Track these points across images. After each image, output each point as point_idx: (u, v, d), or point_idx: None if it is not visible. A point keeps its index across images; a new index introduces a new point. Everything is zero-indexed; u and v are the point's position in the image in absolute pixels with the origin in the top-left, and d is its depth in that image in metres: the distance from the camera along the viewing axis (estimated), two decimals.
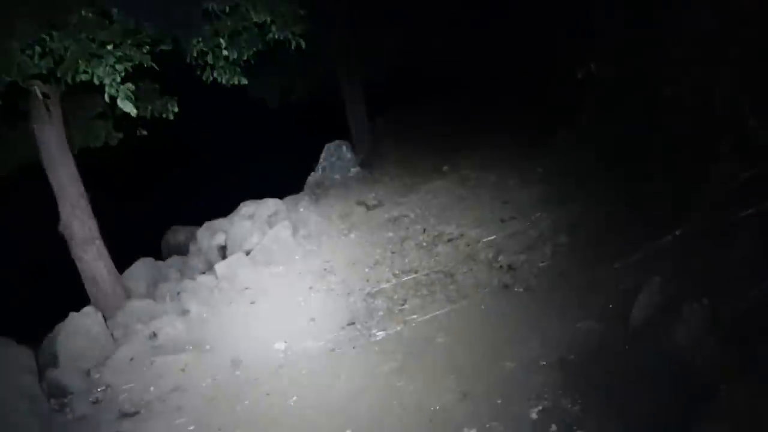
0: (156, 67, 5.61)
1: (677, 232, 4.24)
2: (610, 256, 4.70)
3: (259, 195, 8.95)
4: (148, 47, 5.42)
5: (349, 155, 9.73)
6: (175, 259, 7.93)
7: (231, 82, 6.28)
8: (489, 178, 7.61)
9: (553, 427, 3.33)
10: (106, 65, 4.96)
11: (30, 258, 8.66)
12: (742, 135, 3.93)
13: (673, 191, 4.65)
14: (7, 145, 6.56)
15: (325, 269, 6.46)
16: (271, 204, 8.48)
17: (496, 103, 9.58)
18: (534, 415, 3.46)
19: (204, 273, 7.13)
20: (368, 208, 8.02)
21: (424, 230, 6.82)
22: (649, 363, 3.31)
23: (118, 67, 5.01)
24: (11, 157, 6.69)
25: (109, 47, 5.02)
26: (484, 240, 6.09)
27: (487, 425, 3.49)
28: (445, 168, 8.56)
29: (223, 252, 7.69)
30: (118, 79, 5.23)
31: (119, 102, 5.33)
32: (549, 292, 4.82)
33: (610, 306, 4.16)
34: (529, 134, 7.92)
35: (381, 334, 4.92)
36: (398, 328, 4.92)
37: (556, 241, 5.56)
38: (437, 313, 4.99)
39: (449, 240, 6.38)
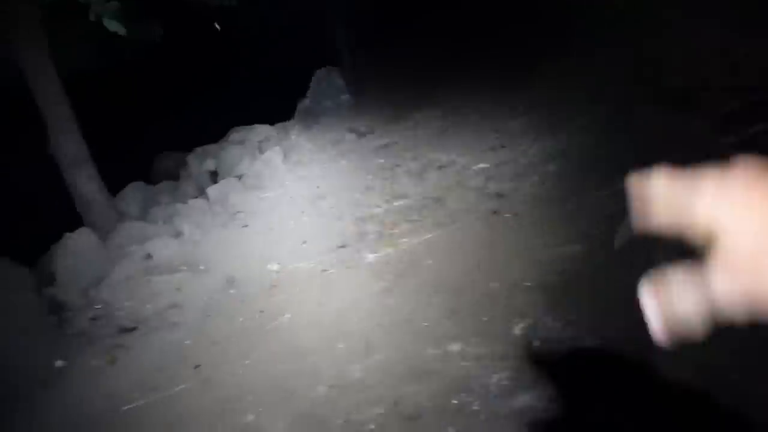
0: None
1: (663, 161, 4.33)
2: (597, 184, 4.81)
3: (248, 122, 8.93)
4: None
5: (339, 82, 9.63)
6: (166, 184, 7.97)
7: (221, 3, 6.17)
8: (479, 107, 7.61)
9: (536, 342, 3.50)
10: None
11: (22, 182, 8.65)
12: (731, 63, 3.96)
13: (662, 120, 4.72)
14: None
15: (316, 195, 6.54)
16: (261, 130, 8.49)
17: (482, 33, 9.43)
18: (517, 331, 3.63)
19: (196, 197, 7.19)
20: (359, 135, 8.03)
21: (415, 157, 6.88)
22: (627, 282, 3.46)
23: None
24: None
25: None
26: (474, 167, 6.16)
27: (472, 340, 3.66)
28: (435, 98, 8.53)
29: (214, 177, 7.74)
30: None
31: (105, 21, 5.24)
32: (536, 218, 4.93)
33: (594, 231, 4.29)
34: (516, 64, 7.85)
35: (372, 256, 5.05)
36: (389, 251, 5.05)
37: (544, 169, 5.64)
38: (427, 236, 5.12)
39: (439, 167, 6.45)
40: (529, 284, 4.03)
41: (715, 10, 4.11)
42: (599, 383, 2.98)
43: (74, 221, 6.27)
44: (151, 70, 11.20)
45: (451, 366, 3.51)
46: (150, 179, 8.60)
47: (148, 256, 5.61)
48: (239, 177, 7.33)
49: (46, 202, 7.27)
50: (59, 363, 4.29)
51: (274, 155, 7.42)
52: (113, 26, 5.29)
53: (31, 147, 6.82)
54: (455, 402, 3.17)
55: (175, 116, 10.75)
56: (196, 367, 4.05)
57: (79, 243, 5.44)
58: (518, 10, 8.81)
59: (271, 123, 8.96)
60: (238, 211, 6.48)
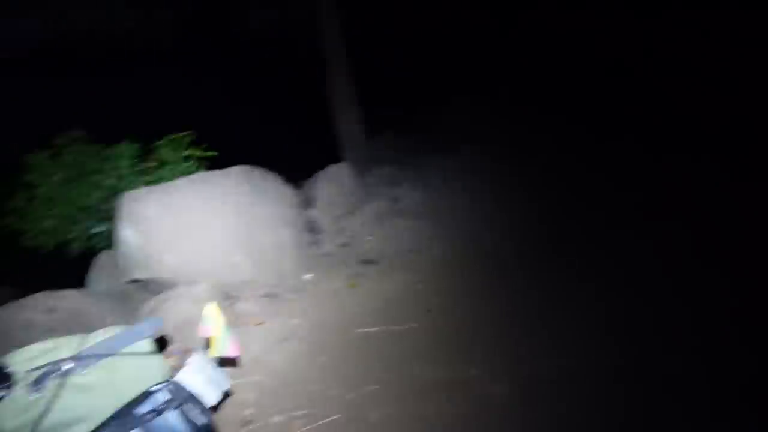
0: None
1: None
2: None
3: None
4: None
5: None
6: (418, 136, 8.21)
7: None
8: None
9: None
10: None
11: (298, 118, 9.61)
12: None
13: None
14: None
15: None
16: None
17: None
18: None
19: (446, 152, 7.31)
20: None
21: None
22: None
23: None
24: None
25: None
26: None
27: None
28: None
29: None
30: None
31: None
32: None
33: None
34: None
35: None
36: None
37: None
38: None
39: None
40: None
41: None
42: None
43: (334, 158, 6.74)
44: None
45: None
46: (404, 130, 8.95)
47: (396, 200, 5.83)
48: None
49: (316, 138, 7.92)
50: (308, 276, 4.68)
51: None
52: None
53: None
54: None
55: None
56: (429, 310, 4.12)
57: (339, 174, 5.83)
58: None
59: None
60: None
